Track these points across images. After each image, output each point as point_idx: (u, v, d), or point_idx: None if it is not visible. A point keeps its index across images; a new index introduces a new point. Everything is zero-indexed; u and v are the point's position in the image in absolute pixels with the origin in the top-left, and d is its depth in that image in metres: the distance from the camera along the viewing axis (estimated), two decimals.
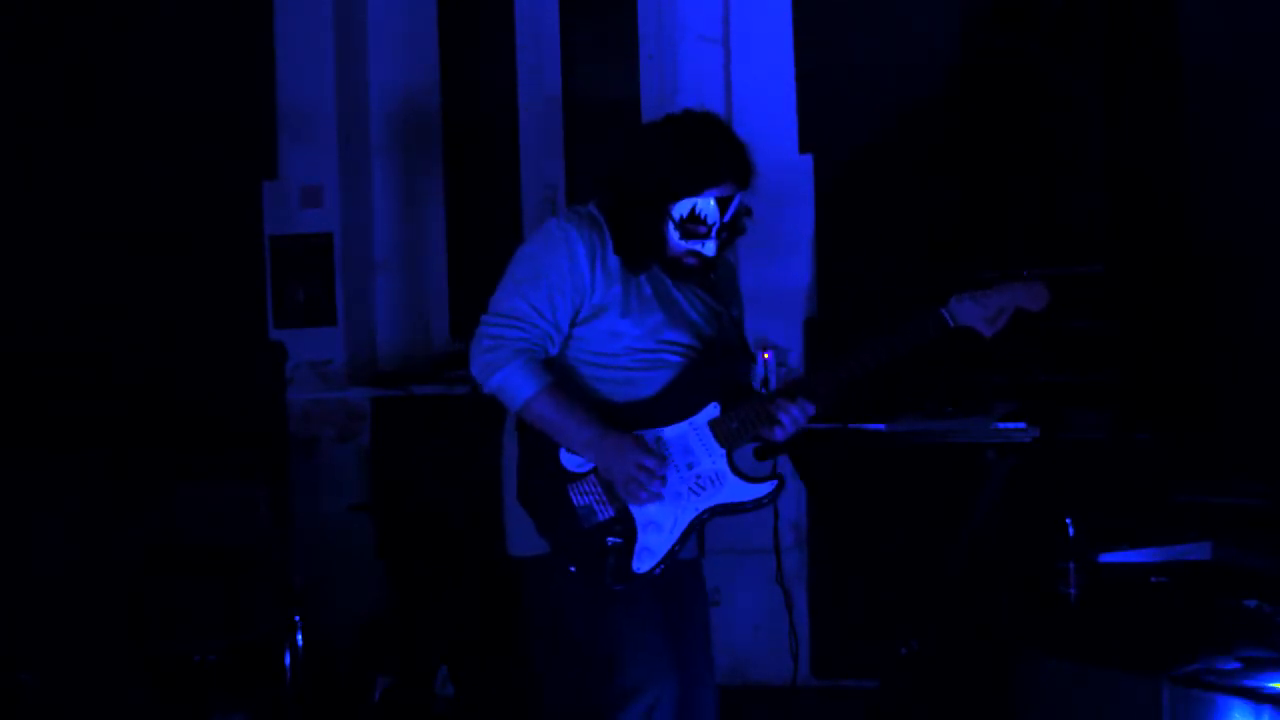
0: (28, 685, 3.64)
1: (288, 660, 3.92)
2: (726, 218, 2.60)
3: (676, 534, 2.62)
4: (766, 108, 4.57)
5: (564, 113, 5.04)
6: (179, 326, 4.74)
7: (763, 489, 2.65)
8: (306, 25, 4.76)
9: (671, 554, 2.62)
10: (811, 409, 2.62)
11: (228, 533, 4.08)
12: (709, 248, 2.61)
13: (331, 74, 4.78)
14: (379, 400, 4.76)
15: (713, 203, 2.57)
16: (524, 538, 2.69)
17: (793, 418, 2.60)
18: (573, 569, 2.61)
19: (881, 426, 3.39)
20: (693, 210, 2.57)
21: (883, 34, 4.44)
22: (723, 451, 2.64)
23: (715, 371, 2.68)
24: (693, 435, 2.64)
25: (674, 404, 2.65)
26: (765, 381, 4.31)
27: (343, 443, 4.77)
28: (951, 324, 2.62)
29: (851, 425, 3.39)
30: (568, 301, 2.61)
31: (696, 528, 2.66)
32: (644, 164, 2.61)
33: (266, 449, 4.66)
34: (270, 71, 4.77)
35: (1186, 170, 3.95)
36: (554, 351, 2.64)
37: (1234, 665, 2.66)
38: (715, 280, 2.75)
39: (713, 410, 2.64)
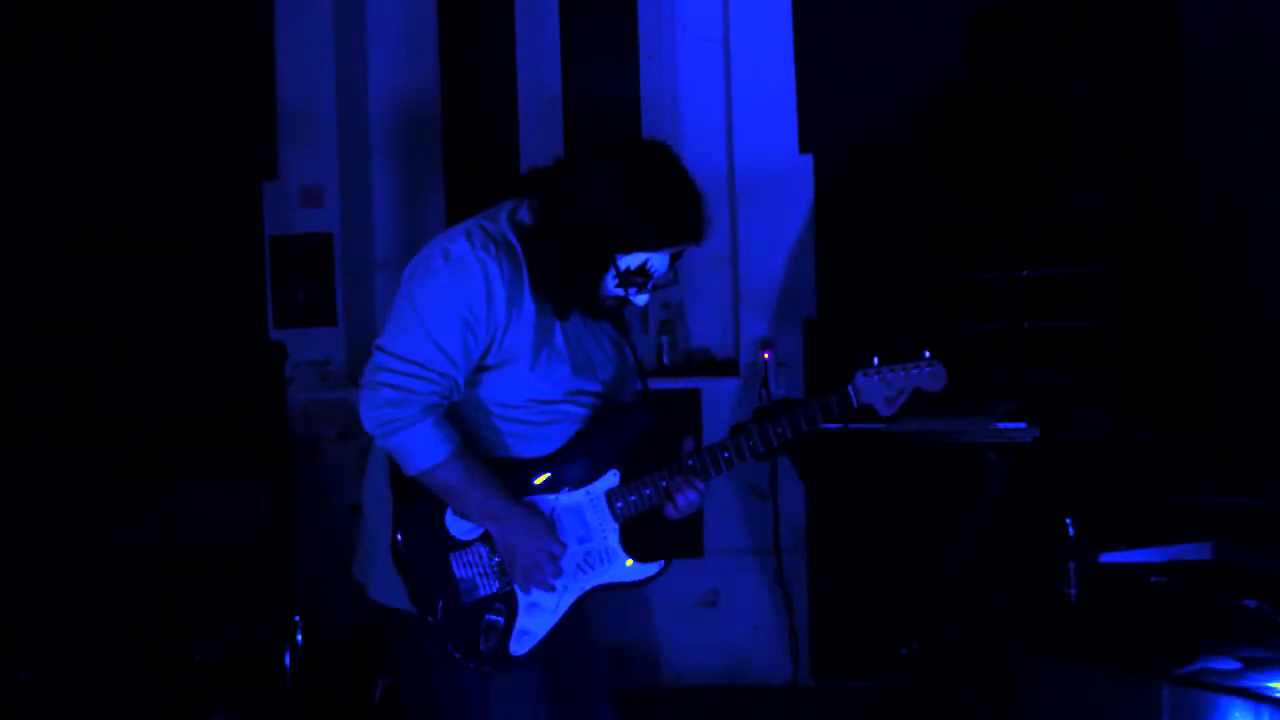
0: (28, 685, 3.64)
1: (288, 660, 3.92)
2: (672, 270, 2.40)
3: (559, 616, 2.45)
4: (766, 108, 4.58)
5: (564, 113, 5.05)
6: (179, 326, 4.74)
7: (650, 569, 2.49)
8: (306, 25, 4.76)
9: (550, 635, 2.45)
10: (704, 487, 2.46)
11: (228, 533, 4.08)
12: (641, 298, 2.39)
13: (331, 74, 4.78)
14: None
15: (667, 258, 2.36)
16: (394, 588, 2.43)
17: (689, 501, 2.45)
18: (458, 655, 2.38)
19: (881, 426, 3.37)
20: (644, 264, 2.34)
21: (883, 34, 4.45)
22: (616, 526, 2.46)
23: (618, 431, 2.48)
24: (588, 506, 2.45)
25: (572, 466, 2.44)
26: (765, 382, 4.31)
27: (343, 443, 4.77)
28: (855, 404, 2.47)
29: (852, 425, 3.37)
30: (480, 345, 2.31)
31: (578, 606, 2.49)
32: (596, 210, 2.29)
33: (266, 449, 4.66)
34: (270, 71, 4.77)
35: (1186, 170, 3.96)
36: (457, 399, 2.35)
37: (1234, 665, 2.66)
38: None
39: (611, 479, 2.45)
